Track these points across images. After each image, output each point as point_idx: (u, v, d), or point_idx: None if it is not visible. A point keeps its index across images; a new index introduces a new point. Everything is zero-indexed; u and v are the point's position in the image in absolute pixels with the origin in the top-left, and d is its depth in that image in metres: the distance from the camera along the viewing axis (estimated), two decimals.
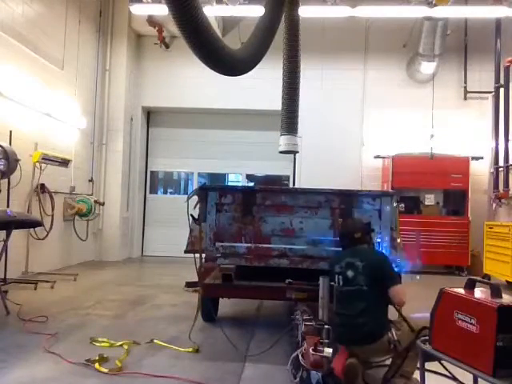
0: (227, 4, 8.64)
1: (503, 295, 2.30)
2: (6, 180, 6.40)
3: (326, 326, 3.14)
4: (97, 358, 3.70)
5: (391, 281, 3.26)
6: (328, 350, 2.89)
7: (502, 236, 7.94)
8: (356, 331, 3.13)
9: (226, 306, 5.50)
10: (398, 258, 4.51)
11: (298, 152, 7.91)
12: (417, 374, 2.87)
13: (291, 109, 7.07)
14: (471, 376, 2.36)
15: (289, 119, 7.08)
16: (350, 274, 3.31)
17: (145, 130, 11.39)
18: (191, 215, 4.63)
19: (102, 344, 4.13)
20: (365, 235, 3.58)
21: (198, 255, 4.46)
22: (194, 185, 11.28)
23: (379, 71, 10.53)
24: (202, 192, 4.67)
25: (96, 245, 9.86)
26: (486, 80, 10.00)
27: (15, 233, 5.72)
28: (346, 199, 4.53)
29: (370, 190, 5.18)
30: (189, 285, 6.76)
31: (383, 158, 10.13)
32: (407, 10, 8.68)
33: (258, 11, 7.40)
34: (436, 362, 2.51)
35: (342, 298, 3.33)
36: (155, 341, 4.22)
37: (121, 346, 4.07)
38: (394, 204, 4.51)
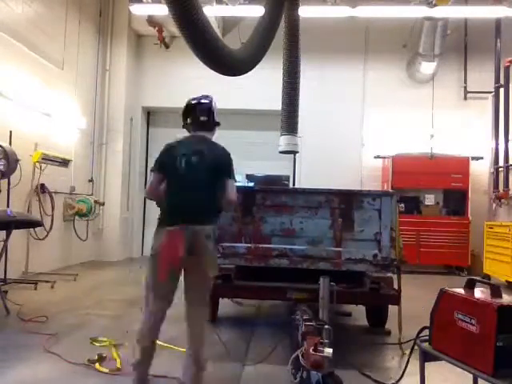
0: (227, 4, 8.65)
1: (503, 295, 2.30)
2: (6, 180, 6.40)
3: (326, 326, 3.14)
4: (96, 357, 3.71)
5: (229, 175, 3.19)
6: (328, 350, 2.88)
7: (501, 236, 7.94)
8: (196, 210, 3.08)
9: (226, 306, 5.50)
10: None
11: (297, 152, 7.91)
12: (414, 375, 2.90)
13: (291, 109, 7.07)
14: (471, 376, 2.37)
15: (289, 119, 7.08)
16: (194, 159, 3.21)
17: (145, 130, 11.38)
18: None
19: (103, 344, 4.13)
20: (212, 121, 3.47)
21: None
22: None
23: (379, 71, 10.53)
24: None
25: (96, 245, 9.85)
26: (486, 80, 9.99)
27: (15, 233, 5.72)
28: (346, 199, 4.53)
29: (369, 190, 5.19)
30: None
31: (383, 158, 10.13)
32: (407, 10, 8.69)
33: (258, 11, 7.40)
34: (436, 362, 2.51)
35: (183, 180, 3.21)
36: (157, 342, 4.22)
37: (121, 345, 4.07)
38: (394, 203, 4.51)
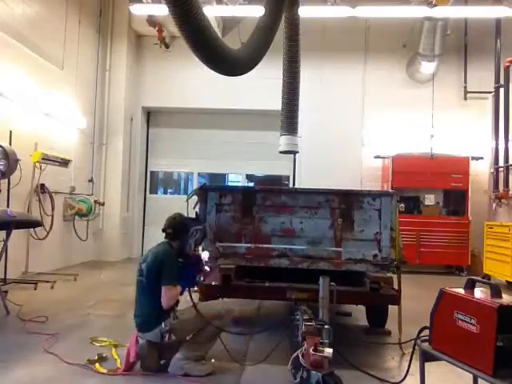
0: (227, 4, 8.65)
1: (503, 295, 2.30)
2: (6, 180, 6.40)
3: (326, 327, 3.14)
4: (96, 357, 3.71)
5: (165, 278, 3.46)
6: (328, 350, 2.89)
7: (501, 236, 7.94)
8: (136, 320, 3.58)
9: (226, 306, 5.49)
10: None
11: (298, 152, 7.91)
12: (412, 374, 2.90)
13: (291, 109, 7.07)
14: (471, 376, 2.37)
15: (289, 119, 7.08)
16: (143, 265, 3.60)
17: (145, 130, 11.39)
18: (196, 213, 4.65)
19: (103, 344, 4.13)
20: (177, 234, 3.72)
21: None
22: (194, 185, 11.29)
23: (379, 71, 10.53)
24: (202, 192, 4.67)
25: (96, 245, 9.85)
26: (486, 80, 9.99)
27: (15, 233, 5.72)
28: (346, 199, 4.52)
29: (370, 190, 5.19)
30: None
31: (383, 158, 10.13)
32: (407, 10, 8.69)
33: (258, 11, 7.40)
34: (436, 362, 2.51)
35: (136, 287, 3.66)
36: None
37: (121, 346, 4.07)
38: (394, 204, 4.50)
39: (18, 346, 4.05)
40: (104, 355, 3.78)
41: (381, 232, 4.41)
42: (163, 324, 3.43)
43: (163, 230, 3.74)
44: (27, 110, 7.34)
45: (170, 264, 3.52)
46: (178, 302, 3.64)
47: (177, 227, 3.74)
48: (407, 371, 3.14)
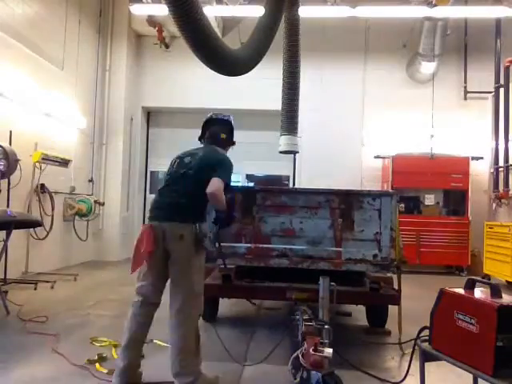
0: (227, 4, 8.65)
1: (503, 295, 2.30)
2: (6, 180, 6.40)
3: (327, 326, 3.14)
4: (96, 357, 3.72)
5: (217, 173, 3.17)
6: (328, 350, 2.89)
7: (501, 236, 7.94)
8: (172, 208, 3.20)
9: (226, 306, 5.50)
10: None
11: (298, 152, 7.91)
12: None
13: (291, 109, 7.07)
14: (471, 376, 2.37)
15: (289, 119, 7.08)
16: (187, 159, 3.39)
17: (145, 130, 11.39)
18: None
19: (103, 344, 4.13)
20: (227, 140, 3.60)
21: None
22: None
23: (379, 71, 10.53)
24: None
25: (96, 245, 9.85)
26: (486, 80, 9.99)
27: (15, 233, 5.72)
28: (346, 199, 4.52)
29: (370, 190, 5.19)
30: None
31: (383, 158, 10.13)
32: (407, 10, 8.69)
33: (258, 11, 7.40)
34: (436, 362, 2.51)
35: (170, 178, 3.40)
36: (155, 341, 4.21)
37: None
38: (394, 204, 4.50)
39: (19, 346, 4.05)
40: (104, 355, 3.78)
41: (381, 232, 4.41)
42: (197, 225, 3.15)
43: (202, 138, 3.66)
44: (27, 110, 7.33)
45: (227, 165, 3.32)
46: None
47: (230, 132, 3.64)
48: (407, 371, 3.14)
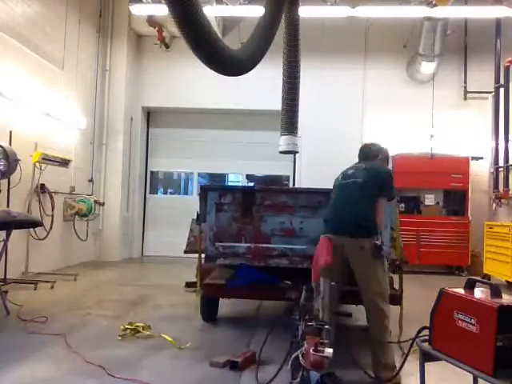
0: (227, 4, 8.64)
1: (503, 295, 2.30)
2: (6, 180, 6.40)
3: (326, 326, 3.14)
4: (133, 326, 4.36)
5: (384, 192, 3.69)
6: (329, 351, 2.88)
7: (501, 236, 7.94)
8: (346, 219, 3.68)
9: (226, 306, 5.50)
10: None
11: (297, 152, 7.89)
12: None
13: (291, 109, 7.06)
14: (471, 376, 2.36)
15: (289, 119, 7.07)
16: (350, 171, 3.96)
17: (145, 130, 11.39)
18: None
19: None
20: (381, 161, 4.09)
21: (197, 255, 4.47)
22: (194, 185, 11.32)
23: (379, 71, 10.53)
24: (202, 192, 4.67)
25: (96, 245, 9.85)
26: (486, 80, 9.99)
27: (15, 233, 5.72)
28: None
29: None
30: (189, 285, 6.76)
31: None
32: (407, 10, 8.68)
33: (258, 11, 7.40)
34: (436, 362, 2.51)
35: (339, 190, 3.92)
36: (162, 335, 4.26)
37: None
38: (395, 203, 4.50)
39: (18, 346, 4.05)
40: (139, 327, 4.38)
41: (381, 232, 4.40)
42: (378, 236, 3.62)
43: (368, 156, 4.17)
44: (27, 110, 7.33)
45: (390, 181, 3.79)
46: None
47: (383, 159, 4.22)
48: (401, 366, 3.13)
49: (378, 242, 3.59)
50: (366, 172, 3.81)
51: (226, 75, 5.94)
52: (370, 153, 4.15)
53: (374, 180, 3.71)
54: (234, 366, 3.66)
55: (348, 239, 3.62)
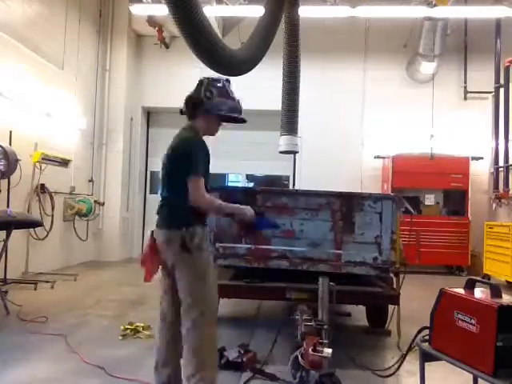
0: (227, 4, 8.64)
1: (503, 295, 2.30)
2: (6, 180, 6.40)
3: (326, 327, 3.14)
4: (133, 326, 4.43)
5: (190, 170, 2.82)
6: (327, 351, 2.89)
7: (501, 236, 7.94)
8: (160, 212, 3.01)
9: (226, 306, 5.50)
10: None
11: (297, 152, 7.91)
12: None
13: (291, 109, 7.08)
14: (471, 376, 2.37)
15: (289, 119, 7.09)
16: (164, 158, 3.01)
17: (145, 130, 11.39)
18: None
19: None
20: (197, 109, 3.06)
21: None
22: None
23: (379, 71, 10.52)
24: None
25: (96, 245, 9.85)
26: (486, 80, 9.99)
27: (15, 233, 5.72)
28: (347, 202, 4.51)
29: (370, 193, 5.14)
30: None
31: (383, 158, 10.13)
32: (407, 10, 8.68)
33: (258, 11, 7.40)
34: (436, 362, 2.51)
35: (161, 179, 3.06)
36: None
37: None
38: (395, 207, 4.49)
39: (18, 347, 4.05)
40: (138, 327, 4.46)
41: (381, 235, 4.40)
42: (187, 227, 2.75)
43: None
44: (27, 110, 7.33)
45: (198, 154, 2.99)
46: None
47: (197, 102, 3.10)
48: (400, 364, 3.14)
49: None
50: (172, 146, 3.04)
51: (225, 75, 5.93)
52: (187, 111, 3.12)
53: (177, 156, 2.97)
54: (236, 366, 3.64)
55: (159, 232, 2.99)
